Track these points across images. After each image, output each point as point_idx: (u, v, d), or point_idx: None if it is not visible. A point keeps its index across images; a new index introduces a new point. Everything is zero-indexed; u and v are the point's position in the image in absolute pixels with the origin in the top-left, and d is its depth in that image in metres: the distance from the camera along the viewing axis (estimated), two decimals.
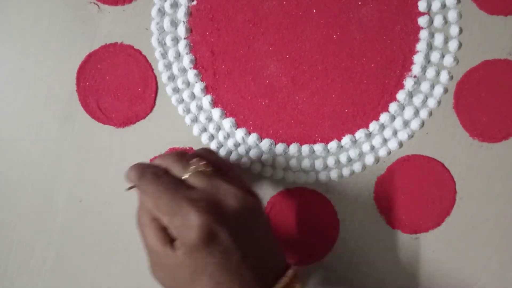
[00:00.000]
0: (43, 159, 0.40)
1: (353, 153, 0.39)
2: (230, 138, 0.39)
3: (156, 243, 0.30)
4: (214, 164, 0.33)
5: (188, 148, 0.39)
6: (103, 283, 0.41)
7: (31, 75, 0.39)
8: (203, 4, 0.38)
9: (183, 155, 0.33)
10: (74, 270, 0.41)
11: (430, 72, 0.38)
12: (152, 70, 0.39)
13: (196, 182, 0.31)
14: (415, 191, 0.39)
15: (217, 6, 0.38)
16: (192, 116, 0.39)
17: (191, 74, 0.39)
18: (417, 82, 0.38)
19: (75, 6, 0.39)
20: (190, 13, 0.38)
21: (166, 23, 0.38)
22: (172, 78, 0.39)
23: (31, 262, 0.41)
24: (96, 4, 0.39)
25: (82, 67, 0.39)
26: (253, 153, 0.39)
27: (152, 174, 0.31)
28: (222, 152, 0.39)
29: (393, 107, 0.38)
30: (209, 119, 0.39)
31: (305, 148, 0.39)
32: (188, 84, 0.39)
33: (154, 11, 0.38)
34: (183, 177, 0.31)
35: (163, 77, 0.39)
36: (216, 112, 0.39)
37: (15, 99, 0.40)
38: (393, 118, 0.38)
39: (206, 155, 0.34)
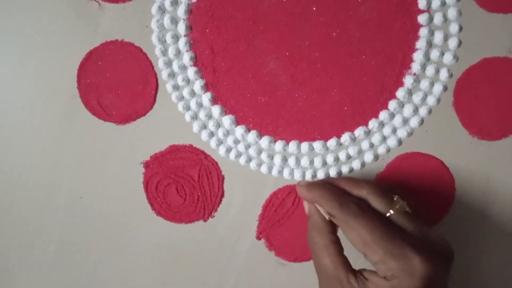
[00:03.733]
0: (44, 155, 0.40)
1: (352, 151, 0.39)
2: (230, 135, 0.39)
3: (335, 267, 0.31)
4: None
5: (188, 145, 0.40)
6: (103, 279, 0.42)
7: (32, 73, 0.40)
8: (203, 2, 0.38)
9: (382, 188, 0.33)
10: (75, 266, 0.42)
11: (430, 70, 0.38)
12: (152, 67, 0.39)
13: (402, 223, 0.31)
14: (414, 188, 0.39)
15: (217, 3, 0.38)
16: (192, 113, 0.39)
17: (191, 72, 0.39)
18: (417, 80, 0.38)
19: (76, 3, 0.39)
20: (190, 11, 0.39)
21: (166, 20, 0.38)
22: (172, 75, 0.39)
23: (31, 258, 0.42)
24: (97, 1, 0.39)
25: (83, 65, 0.39)
26: (252, 151, 0.39)
27: (357, 206, 0.31)
28: (222, 150, 0.39)
29: (392, 104, 0.38)
30: (209, 116, 0.39)
31: (304, 146, 0.39)
32: (188, 81, 0.39)
33: (154, 9, 0.38)
34: (387, 214, 0.31)
35: (163, 75, 0.39)
36: (216, 109, 0.39)
37: (16, 96, 0.40)
38: (392, 115, 0.39)
39: (394, 190, 0.34)
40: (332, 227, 0.33)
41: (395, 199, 0.32)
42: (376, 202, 0.32)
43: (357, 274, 0.31)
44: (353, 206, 0.31)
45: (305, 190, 0.34)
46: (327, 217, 0.33)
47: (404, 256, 0.29)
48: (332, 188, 0.33)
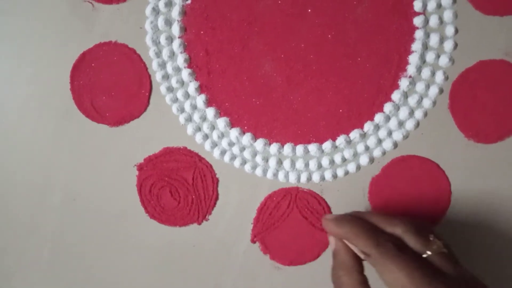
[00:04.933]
0: (37, 157, 0.40)
1: (347, 153, 0.39)
2: (224, 137, 0.39)
3: None
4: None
5: (182, 147, 0.39)
6: (97, 282, 0.41)
7: (26, 74, 0.39)
8: (198, 3, 0.38)
9: (417, 226, 0.31)
10: (69, 268, 0.41)
11: (425, 73, 0.38)
12: (146, 69, 0.39)
13: (439, 264, 0.29)
14: (410, 192, 0.39)
15: (212, 5, 0.38)
16: (186, 115, 0.39)
17: (185, 73, 0.38)
18: (412, 82, 0.38)
19: (70, 4, 0.38)
20: (184, 12, 0.38)
21: (161, 22, 0.38)
22: (166, 77, 0.39)
23: (25, 260, 0.41)
24: (91, 2, 0.38)
25: (76, 66, 0.39)
26: (247, 153, 0.39)
27: (394, 246, 0.29)
28: (216, 152, 0.39)
29: (388, 107, 0.38)
30: (203, 118, 0.39)
31: (300, 148, 0.39)
32: (182, 83, 0.39)
33: (148, 10, 0.38)
34: (424, 255, 0.30)
35: (157, 76, 0.39)
36: (210, 112, 0.39)
37: (9, 98, 0.40)
38: (388, 118, 0.38)
39: (429, 228, 0.32)
40: (361, 266, 0.32)
41: (431, 238, 0.31)
42: (412, 242, 0.30)
43: None
44: (390, 246, 0.29)
45: (335, 225, 0.32)
46: (362, 256, 0.31)
47: None
48: (364, 224, 0.31)
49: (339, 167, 0.39)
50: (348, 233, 0.31)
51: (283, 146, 0.39)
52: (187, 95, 0.39)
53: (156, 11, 0.38)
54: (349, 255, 0.32)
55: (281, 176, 0.39)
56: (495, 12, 0.37)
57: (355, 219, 0.32)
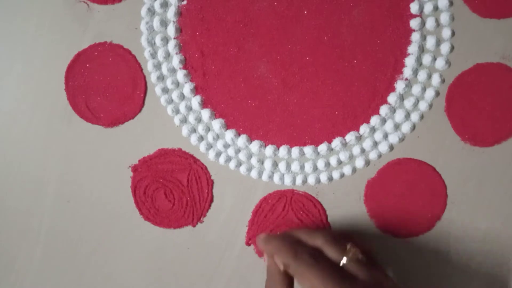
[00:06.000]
0: (30, 159, 0.40)
1: (343, 156, 0.38)
2: (220, 139, 0.39)
3: None
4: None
5: (177, 149, 0.39)
6: (91, 283, 0.41)
7: (20, 74, 0.39)
8: (193, 4, 0.38)
9: (336, 236, 0.33)
10: (61, 270, 0.41)
11: (422, 75, 0.38)
12: (141, 70, 0.38)
13: (355, 271, 0.31)
14: (406, 195, 0.39)
15: (208, 6, 0.38)
16: (181, 117, 0.39)
17: (181, 75, 0.38)
18: (409, 85, 0.38)
19: (64, 4, 0.38)
20: (180, 13, 0.38)
21: (156, 22, 0.38)
22: (161, 78, 0.38)
23: (17, 263, 0.41)
24: (86, 2, 0.38)
25: (71, 66, 0.39)
26: (242, 155, 0.39)
27: (310, 256, 0.32)
28: (211, 154, 0.39)
29: (384, 110, 0.38)
30: (199, 120, 0.39)
31: (295, 151, 0.38)
32: (177, 84, 0.38)
33: (143, 11, 0.38)
34: (341, 263, 0.32)
35: (152, 77, 0.38)
36: (205, 113, 0.39)
37: (2, 98, 0.39)
38: (384, 121, 0.38)
39: (349, 237, 0.34)
40: (289, 279, 0.34)
41: (348, 247, 0.32)
42: (330, 251, 0.33)
43: None
44: (306, 256, 0.32)
45: (263, 243, 0.35)
46: (281, 267, 0.33)
47: None
48: (287, 238, 0.34)
49: (335, 169, 0.39)
50: (273, 248, 0.34)
51: (278, 148, 0.39)
52: (182, 96, 0.39)
53: (151, 11, 0.38)
54: (277, 270, 0.34)
55: (276, 178, 0.39)
56: (492, 15, 0.37)
57: (280, 236, 0.35)
